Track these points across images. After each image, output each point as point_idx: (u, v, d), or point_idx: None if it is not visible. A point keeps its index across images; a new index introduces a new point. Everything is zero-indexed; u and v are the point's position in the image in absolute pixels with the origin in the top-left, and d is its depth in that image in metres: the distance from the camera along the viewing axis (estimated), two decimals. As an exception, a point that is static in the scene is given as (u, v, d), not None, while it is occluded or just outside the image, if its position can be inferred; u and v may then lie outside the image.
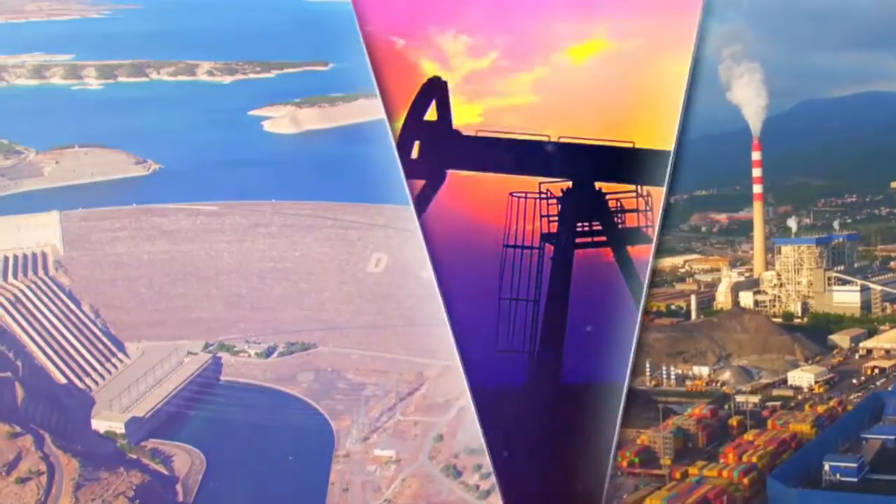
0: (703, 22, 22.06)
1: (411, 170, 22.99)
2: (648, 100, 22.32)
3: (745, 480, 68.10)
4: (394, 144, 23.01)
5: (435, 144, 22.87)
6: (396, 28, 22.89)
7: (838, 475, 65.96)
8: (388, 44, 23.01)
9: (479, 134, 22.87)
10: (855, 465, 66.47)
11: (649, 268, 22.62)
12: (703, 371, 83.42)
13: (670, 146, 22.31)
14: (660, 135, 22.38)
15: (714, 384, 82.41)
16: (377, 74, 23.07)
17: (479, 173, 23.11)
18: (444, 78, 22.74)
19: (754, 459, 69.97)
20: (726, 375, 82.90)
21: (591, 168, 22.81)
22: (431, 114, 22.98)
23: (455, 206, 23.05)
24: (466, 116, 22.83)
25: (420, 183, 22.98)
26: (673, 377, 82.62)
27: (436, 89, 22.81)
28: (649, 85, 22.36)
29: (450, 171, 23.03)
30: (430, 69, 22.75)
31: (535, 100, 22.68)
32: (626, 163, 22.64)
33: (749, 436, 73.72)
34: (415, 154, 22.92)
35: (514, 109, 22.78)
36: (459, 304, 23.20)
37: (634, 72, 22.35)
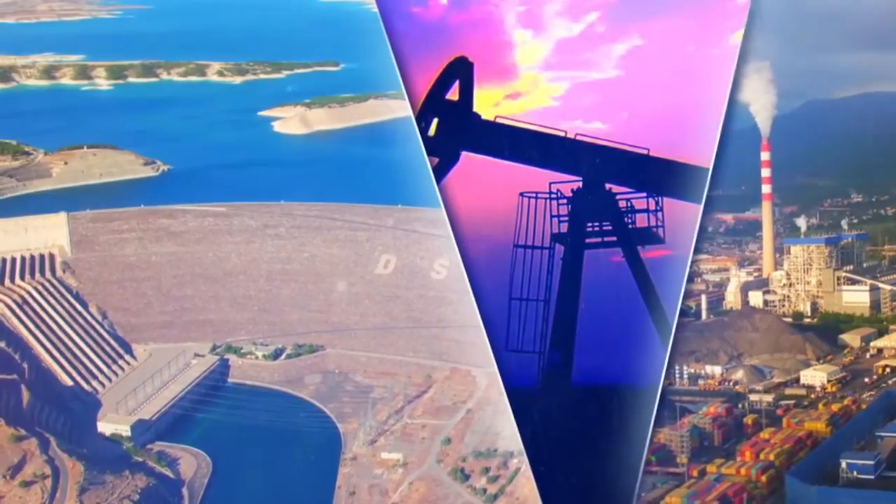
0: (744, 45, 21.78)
1: (427, 146, 22.76)
2: (694, 109, 21.95)
3: (764, 478, 68.69)
4: (419, 138, 22.68)
5: (453, 124, 22.57)
6: None
7: (855, 472, 66.52)
8: (414, 37, 22.63)
9: (498, 120, 22.55)
10: (872, 462, 67.13)
11: (686, 271, 22.42)
12: (716, 370, 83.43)
13: (695, 159, 21.97)
14: (701, 149, 22.03)
15: (727, 383, 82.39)
16: (401, 68, 22.71)
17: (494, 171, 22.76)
18: (534, 46, 22.31)
19: (771, 457, 70.46)
20: (739, 374, 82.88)
21: (602, 169, 22.50)
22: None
23: (486, 204, 22.74)
24: (539, 100, 22.40)
25: (434, 160, 22.72)
26: (686, 376, 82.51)
27: (460, 70, 22.44)
28: (701, 96, 21.97)
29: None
30: (520, 38, 22.32)
31: (616, 74, 22.22)
32: (640, 169, 22.33)
33: (765, 434, 74.14)
34: (432, 132, 22.65)
35: (594, 86, 22.29)
36: (492, 305, 22.91)
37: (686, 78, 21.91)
